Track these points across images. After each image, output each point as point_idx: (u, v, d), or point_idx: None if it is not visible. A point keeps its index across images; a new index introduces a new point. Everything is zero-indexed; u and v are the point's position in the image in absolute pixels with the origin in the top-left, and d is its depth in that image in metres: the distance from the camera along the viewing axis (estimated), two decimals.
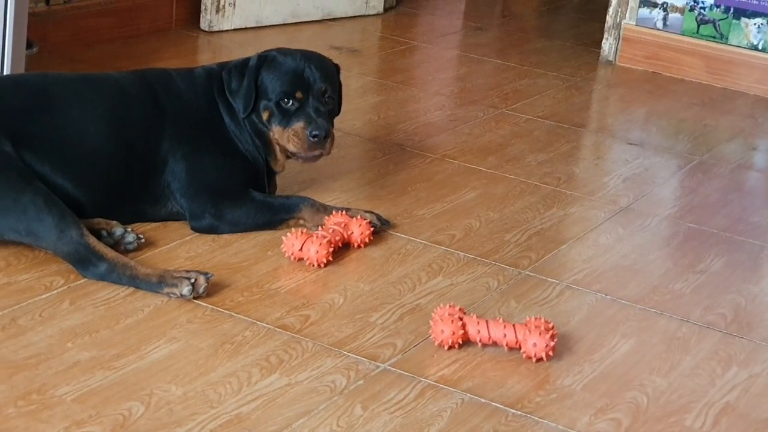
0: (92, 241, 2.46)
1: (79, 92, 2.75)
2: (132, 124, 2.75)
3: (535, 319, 2.36)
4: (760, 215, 3.33)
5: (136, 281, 2.42)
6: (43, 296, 2.38)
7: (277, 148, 2.86)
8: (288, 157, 2.89)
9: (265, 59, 2.83)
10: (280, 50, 2.91)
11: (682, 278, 2.83)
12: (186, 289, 2.39)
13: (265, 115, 2.81)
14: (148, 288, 2.41)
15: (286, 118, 2.79)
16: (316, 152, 2.82)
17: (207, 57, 4.26)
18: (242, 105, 2.80)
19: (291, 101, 2.79)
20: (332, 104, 2.87)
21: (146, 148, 2.74)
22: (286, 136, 2.80)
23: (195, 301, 2.41)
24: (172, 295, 2.40)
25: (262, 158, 2.88)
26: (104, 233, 2.59)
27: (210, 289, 2.46)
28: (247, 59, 2.85)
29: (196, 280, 2.41)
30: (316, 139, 2.77)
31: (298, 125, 2.78)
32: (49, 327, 2.26)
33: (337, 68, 2.96)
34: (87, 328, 2.27)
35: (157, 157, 2.75)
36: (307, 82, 2.81)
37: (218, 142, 2.84)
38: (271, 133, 2.83)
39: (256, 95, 2.80)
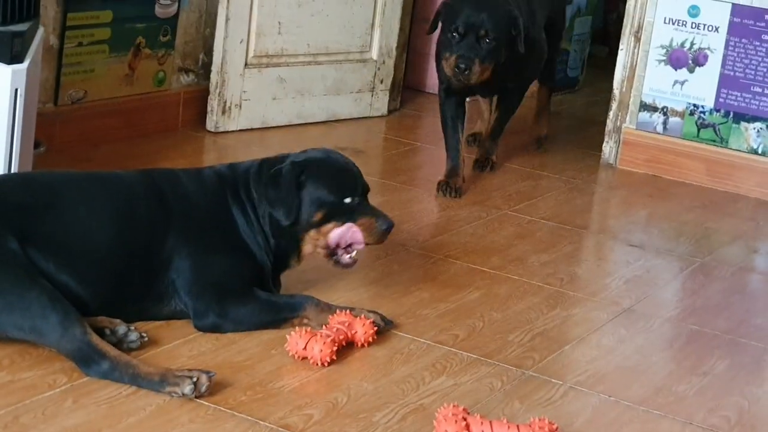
0: (95, 339, 2.45)
1: (85, 190, 2.76)
2: (137, 222, 2.76)
3: (539, 420, 2.35)
4: (763, 317, 3.32)
5: (137, 380, 2.41)
6: (47, 394, 2.36)
7: (308, 247, 2.89)
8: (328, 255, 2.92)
9: (305, 164, 2.85)
10: (307, 152, 2.95)
11: (686, 380, 2.81)
12: (188, 388, 2.38)
13: (318, 216, 2.82)
14: (149, 387, 2.40)
15: (347, 215, 2.84)
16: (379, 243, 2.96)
17: (213, 157, 4.28)
18: (286, 213, 2.80)
19: (353, 198, 2.86)
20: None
21: (151, 247, 2.75)
22: (351, 233, 2.84)
23: (197, 400, 2.39)
24: (174, 394, 2.38)
25: (270, 259, 2.89)
26: (107, 331, 2.58)
27: (212, 388, 2.44)
28: (279, 168, 2.84)
29: (198, 378, 2.39)
30: (386, 230, 2.89)
31: (368, 220, 2.86)
32: (52, 426, 2.24)
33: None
34: (89, 427, 2.25)
35: (162, 255, 2.75)
36: (361, 178, 2.92)
37: (226, 242, 2.84)
38: (317, 233, 2.84)
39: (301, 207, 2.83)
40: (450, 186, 4.01)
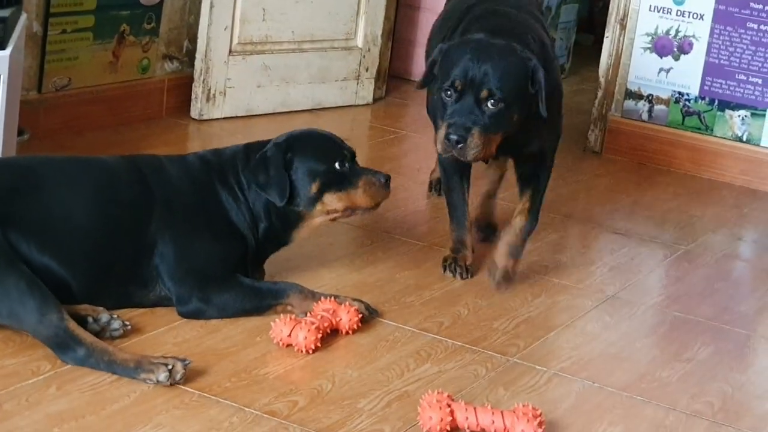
0: (72, 325, 2.44)
1: (67, 174, 2.76)
2: (120, 206, 2.75)
3: (523, 406, 2.35)
4: (746, 304, 3.34)
5: (113, 367, 2.40)
6: (30, 381, 2.36)
7: (308, 222, 2.91)
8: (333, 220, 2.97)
9: (287, 142, 2.88)
10: (285, 134, 2.95)
11: (669, 366, 2.82)
12: (162, 376, 2.37)
13: (314, 188, 2.84)
14: (125, 374, 2.39)
15: (345, 180, 2.87)
16: (383, 200, 2.96)
17: (197, 145, 4.27)
18: (279, 193, 2.81)
19: (345, 163, 2.88)
20: None
21: (134, 231, 2.74)
22: (355, 196, 2.88)
23: (182, 386, 2.39)
24: (148, 381, 2.38)
25: (257, 242, 2.90)
26: (90, 319, 2.57)
27: (197, 375, 2.45)
28: (265, 151, 2.86)
29: (173, 366, 2.39)
30: (388, 182, 2.93)
31: (367, 178, 2.90)
32: (36, 412, 2.24)
33: None
34: (73, 413, 2.26)
35: (146, 240, 2.75)
36: (345, 144, 2.95)
37: (210, 227, 2.84)
38: (319, 204, 2.86)
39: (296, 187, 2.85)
40: (459, 264, 3.21)
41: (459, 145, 2.87)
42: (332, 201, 2.86)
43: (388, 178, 2.92)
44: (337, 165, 2.86)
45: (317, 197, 2.85)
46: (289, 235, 2.94)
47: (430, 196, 3.92)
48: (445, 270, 3.21)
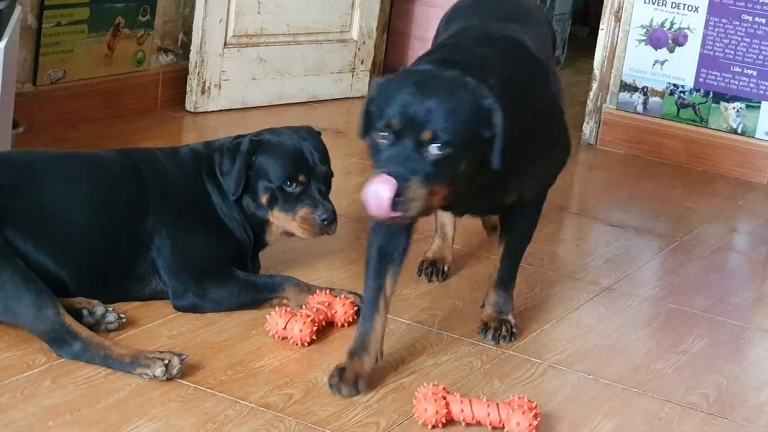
0: (68, 320, 2.44)
1: (63, 169, 2.75)
2: (116, 201, 2.75)
3: (519, 398, 2.36)
4: (741, 296, 3.34)
5: (109, 361, 2.40)
6: (26, 374, 2.36)
7: (274, 228, 2.88)
8: (286, 235, 2.90)
9: (259, 143, 2.85)
10: (271, 131, 2.92)
11: (664, 358, 2.83)
12: (159, 370, 2.37)
13: (264, 198, 2.82)
14: (121, 368, 2.39)
15: (290, 202, 2.81)
16: (324, 233, 2.84)
17: (192, 137, 4.25)
18: (233, 187, 2.81)
19: (294, 185, 2.81)
20: (330, 183, 2.90)
21: (131, 226, 2.74)
22: (293, 222, 2.82)
23: (178, 380, 2.39)
24: (145, 375, 2.38)
25: (249, 237, 2.89)
26: (85, 312, 2.57)
27: (192, 369, 2.45)
28: (239, 141, 2.86)
29: (170, 360, 2.39)
30: (325, 223, 2.79)
31: (305, 211, 2.80)
32: (31, 405, 2.24)
33: (319, 134, 2.98)
34: (68, 406, 2.25)
35: (143, 234, 2.75)
36: (309, 165, 2.84)
37: (204, 220, 2.85)
38: (271, 216, 2.84)
39: (249, 178, 2.82)
40: (343, 381, 2.42)
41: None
42: (277, 217, 2.85)
43: (329, 218, 2.79)
44: (288, 185, 2.81)
45: (268, 208, 2.84)
46: (262, 237, 2.94)
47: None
48: (330, 386, 2.44)
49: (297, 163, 2.84)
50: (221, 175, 2.84)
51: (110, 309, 2.61)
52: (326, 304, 2.75)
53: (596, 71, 4.70)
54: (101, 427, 2.20)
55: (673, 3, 4.52)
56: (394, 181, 2.20)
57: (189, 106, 4.49)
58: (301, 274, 3.00)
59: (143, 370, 2.39)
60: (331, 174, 2.89)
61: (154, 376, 2.38)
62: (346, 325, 2.76)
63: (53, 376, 2.37)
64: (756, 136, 4.46)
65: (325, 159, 2.89)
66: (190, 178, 2.87)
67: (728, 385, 2.73)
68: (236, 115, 4.52)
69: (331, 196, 3.19)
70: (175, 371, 2.40)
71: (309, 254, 3.18)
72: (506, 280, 2.84)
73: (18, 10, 3.25)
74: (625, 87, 4.63)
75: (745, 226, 3.93)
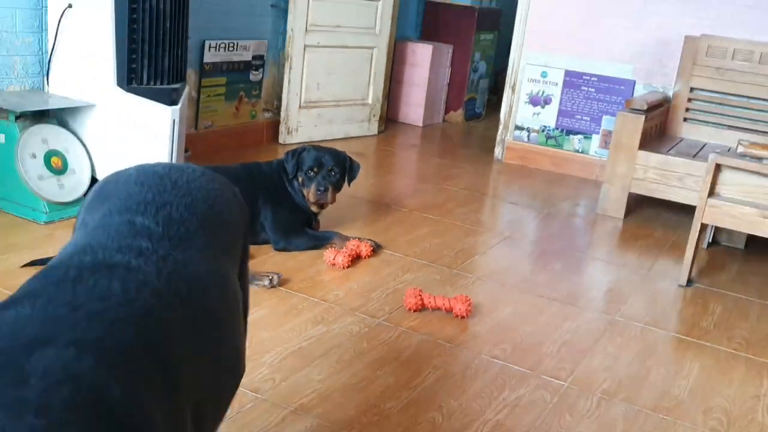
0: None
1: (215, 174, 2.74)
2: (241, 192, 2.73)
3: (461, 294, 2.37)
4: (581, 240, 3.34)
5: None
6: None
7: (306, 198, 2.85)
8: (312, 203, 2.85)
9: (302, 150, 2.83)
10: (314, 146, 2.89)
11: (539, 273, 2.82)
12: (266, 282, 2.40)
13: (300, 180, 2.81)
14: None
15: (309, 181, 2.80)
16: (321, 201, 2.82)
17: (281, 155, 4.27)
18: (290, 171, 2.81)
19: (312, 172, 2.80)
20: (336, 177, 2.84)
21: (251, 205, 2.74)
22: (308, 191, 2.80)
23: (277, 287, 2.41)
24: (258, 284, 2.40)
25: (310, 209, 2.87)
26: None
27: (284, 281, 2.46)
28: (295, 149, 2.85)
29: (272, 277, 2.41)
30: (320, 192, 2.78)
31: (314, 185, 2.79)
32: None
33: (346, 156, 2.91)
34: None
35: (255, 209, 2.76)
36: (321, 162, 2.81)
37: (286, 200, 2.84)
38: (304, 190, 2.82)
39: (297, 167, 2.81)
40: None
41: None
42: (306, 191, 2.81)
43: (321, 192, 2.78)
44: (309, 170, 2.79)
45: (303, 186, 2.81)
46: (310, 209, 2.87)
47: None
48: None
49: (317, 160, 2.81)
50: (286, 165, 2.81)
51: None
52: (357, 246, 2.76)
53: (502, 119, 4.67)
54: None
55: (544, 81, 4.49)
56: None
57: (281, 140, 4.47)
58: (341, 229, 3.00)
59: (258, 281, 2.41)
60: (335, 171, 2.82)
61: (264, 285, 2.40)
62: (367, 257, 2.77)
63: None
64: (589, 154, 4.44)
65: (333, 162, 2.83)
66: (277, 177, 2.86)
67: (577, 285, 2.72)
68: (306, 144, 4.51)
69: (357, 189, 3.17)
70: (275, 282, 2.41)
71: (345, 220, 3.18)
72: None
73: (187, 88, 3.24)
74: (518, 128, 4.61)
75: (583, 202, 3.92)
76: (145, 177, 1.08)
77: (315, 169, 2.80)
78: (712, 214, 2.77)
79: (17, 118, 2.73)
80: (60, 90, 2.97)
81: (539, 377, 2.03)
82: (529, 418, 1.82)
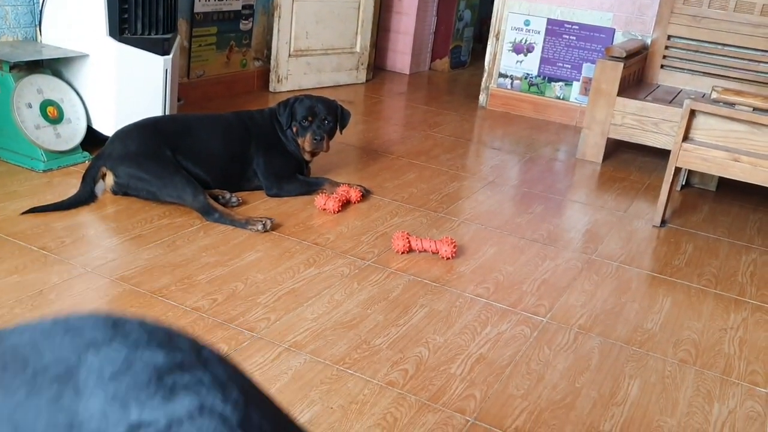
0: (211, 201, 2.45)
1: (205, 123, 2.71)
2: (234, 140, 2.71)
3: (446, 237, 2.38)
4: (561, 184, 3.34)
5: (234, 223, 2.41)
6: (189, 229, 2.37)
7: (302, 147, 2.82)
8: (307, 152, 2.82)
9: (295, 100, 2.79)
10: (306, 95, 2.85)
11: (521, 216, 2.83)
12: (260, 226, 2.39)
13: (294, 129, 2.78)
14: (240, 226, 2.40)
15: (303, 130, 2.76)
16: (317, 150, 2.78)
17: (272, 103, 4.21)
18: (284, 122, 2.77)
19: (306, 122, 2.76)
20: (330, 125, 2.80)
21: (243, 153, 2.71)
22: (305, 142, 2.77)
23: (270, 232, 2.41)
24: (252, 229, 2.39)
25: (302, 155, 2.85)
26: (220, 197, 2.57)
27: (277, 226, 2.46)
28: (288, 99, 2.80)
29: (265, 222, 2.40)
30: (316, 141, 2.75)
31: (309, 134, 2.75)
32: (193, 245, 2.26)
33: (337, 104, 2.87)
34: (213, 245, 2.27)
35: (248, 156, 2.73)
36: (314, 112, 2.77)
37: (278, 147, 2.80)
38: (299, 139, 2.79)
39: (291, 117, 2.77)
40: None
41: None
42: (300, 139, 2.77)
43: (317, 140, 2.73)
44: (303, 120, 2.75)
45: (297, 135, 2.77)
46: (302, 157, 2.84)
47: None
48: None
49: (311, 109, 2.77)
50: (279, 117, 2.78)
51: (234, 195, 2.61)
52: (346, 191, 2.74)
53: (486, 67, 4.61)
54: (230, 255, 2.21)
55: (526, 29, 4.42)
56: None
57: (271, 88, 4.40)
58: (332, 176, 2.98)
59: (252, 226, 2.40)
60: (328, 120, 2.78)
61: (257, 230, 2.39)
62: (356, 202, 2.76)
63: (204, 229, 2.38)
64: (570, 100, 4.41)
65: (326, 111, 2.78)
66: (269, 124, 2.81)
67: (557, 227, 2.73)
68: (295, 93, 4.45)
69: (347, 136, 3.15)
70: (268, 227, 2.40)
71: (336, 166, 3.16)
72: None
73: (178, 38, 3.17)
74: (501, 75, 4.56)
75: (564, 147, 3.92)
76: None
77: (309, 119, 2.76)
78: (686, 157, 2.77)
79: (11, 68, 2.67)
80: (53, 40, 2.89)
81: (520, 313, 2.05)
82: (510, 352, 1.85)
